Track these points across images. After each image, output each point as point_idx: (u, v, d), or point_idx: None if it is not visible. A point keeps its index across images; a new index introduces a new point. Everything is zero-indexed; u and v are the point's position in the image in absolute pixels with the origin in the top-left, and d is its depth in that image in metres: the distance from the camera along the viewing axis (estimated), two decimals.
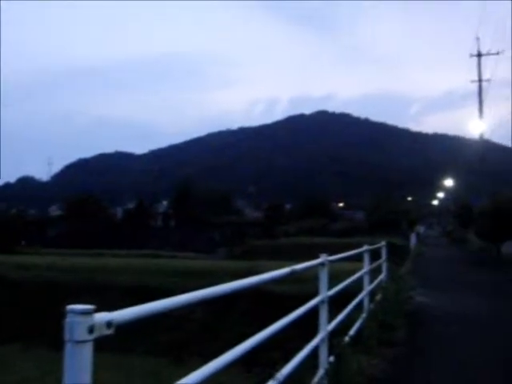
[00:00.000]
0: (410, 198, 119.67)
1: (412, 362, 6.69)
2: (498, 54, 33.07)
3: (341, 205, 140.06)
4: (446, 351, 7.32)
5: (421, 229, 72.41)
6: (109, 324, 1.72)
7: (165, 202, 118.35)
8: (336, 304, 6.82)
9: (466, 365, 6.58)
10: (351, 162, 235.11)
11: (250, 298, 13.96)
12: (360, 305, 8.36)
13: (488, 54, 33.56)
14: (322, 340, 5.03)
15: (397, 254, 25.45)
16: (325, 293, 5.10)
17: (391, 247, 26.14)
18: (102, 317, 1.70)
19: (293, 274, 3.96)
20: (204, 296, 2.58)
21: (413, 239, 37.01)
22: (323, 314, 5.12)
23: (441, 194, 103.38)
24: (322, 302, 5.06)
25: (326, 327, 5.18)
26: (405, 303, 10.43)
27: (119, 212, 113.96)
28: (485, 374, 6.21)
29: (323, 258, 5.09)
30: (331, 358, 5.31)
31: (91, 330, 1.63)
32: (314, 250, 6.86)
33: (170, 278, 14.40)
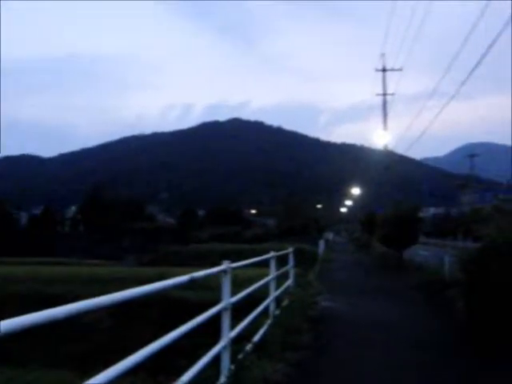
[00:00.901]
0: (319, 206, 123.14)
1: (315, 366, 6.82)
2: (401, 69, 34.79)
3: (253, 211, 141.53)
4: (348, 354, 7.54)
5: (329, 235, 74.46)
6: None
7: (74, 208, 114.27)
8: (243, 310, 6.85)
9: (368, 366, 6.81)
10: (264, 170, 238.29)
11: (160, 305, 13.77)
12: (266, 311, 8.45)
13: (392, 69, 35.17)
14: (224, 347, 5.02)
15: (306, 260, 26.04)
16: (227, 299, 5.10)
17: (300, 253, 26.71)
18: None
19: (192, 281, 3.93)
20: (91, 305, 2.50)
21: (321, 245, 37.95)
22: (225, 320, 5.11)
23: (349, 202, 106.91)
24: (224, 308, 5.06)
25: (229, 334, 5.18)
26: (310, 308, 10.66)
27: (24, 218, 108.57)
28: (386, 375, 6.45)
29: (226, 264, 5.09)
30: (236, 365, 5.31)
31: None
32: (225, 257, 6.86)
33: (72, 286, 13.89)
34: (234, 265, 5.42)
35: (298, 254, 18.49)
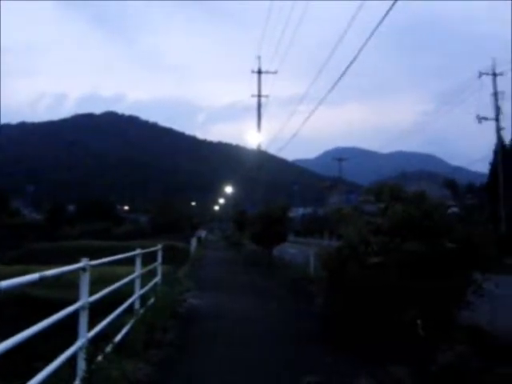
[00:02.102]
0: (193, 203, 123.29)
1: (177, 362, 6.81)
2: (276, 72, 35.89)
3: (126, 208, 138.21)
4: (212, 350, 7.63)
5: (202, 233, 74.81)
6: None
7: None
8: (109, 309, 6.66)
9: (229, 362, 6.93)
10: (138, 165, 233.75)
11: (18, 305, 12.98)
12: (131, 309, 8.29)
13: (267, 72, 36.16)
14: (80, 347, 4.85)
15: (177, 258, 25.93)
16: (85, 298, 4.93)
17: (172, 251, 26.53)
18: None
19: (42, 279, 3.74)
20: None
21: (193, 243, 38.04)
22: (83, 320, 4.94)
23: (222, 200, 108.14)
24: (82, 307, 4.88)
25: (86, 334, 5.01)
26: (177, 305, 10.63)
27: None
28: (247, 368, 6.61)
29: (84, 262, 4.92)
30: (92, 366, 5.14)
31: None
32: (95, 254, 6.62)
33: None
34: (94, 262, 5.25)
35: (169, 251, 18.35)
